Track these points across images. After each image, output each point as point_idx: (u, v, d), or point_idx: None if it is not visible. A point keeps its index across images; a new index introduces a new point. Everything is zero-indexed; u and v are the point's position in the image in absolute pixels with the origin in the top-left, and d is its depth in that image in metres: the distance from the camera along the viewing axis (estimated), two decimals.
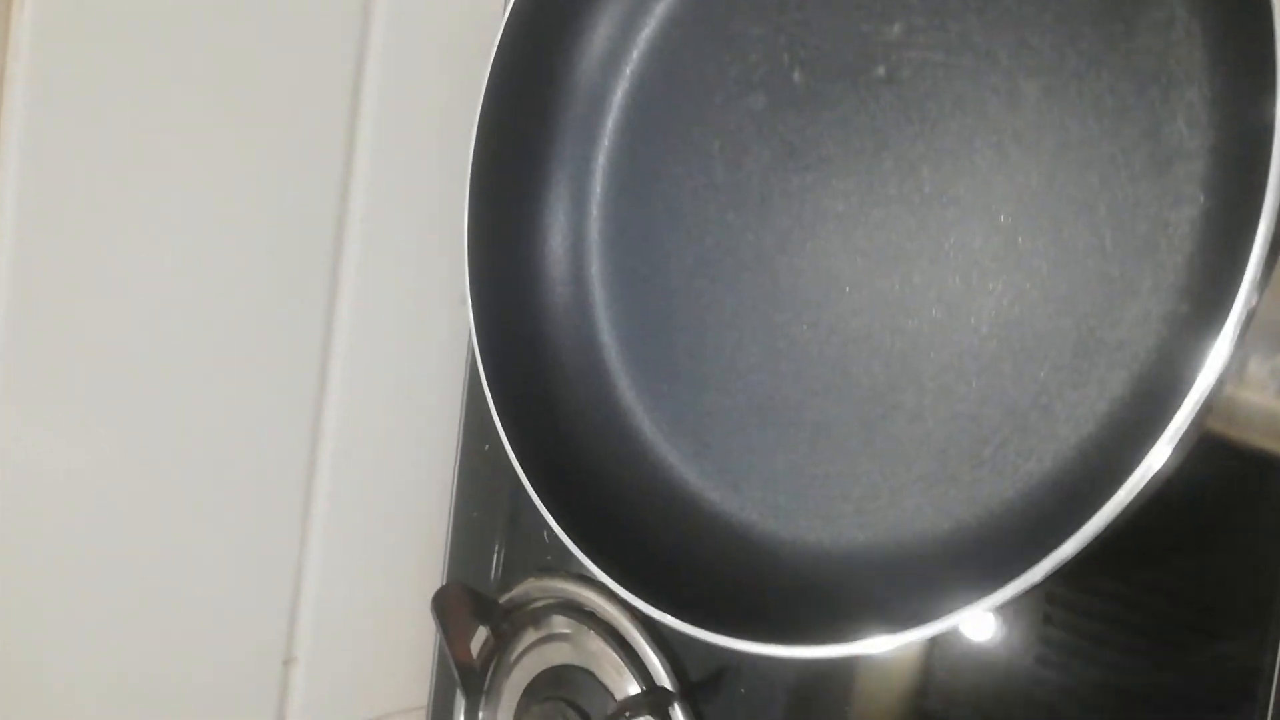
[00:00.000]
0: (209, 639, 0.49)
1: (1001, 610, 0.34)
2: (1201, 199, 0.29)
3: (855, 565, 0.34)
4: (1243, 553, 0.29)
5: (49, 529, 0.44)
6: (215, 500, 0.48)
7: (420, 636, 0.55)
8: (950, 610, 0.28)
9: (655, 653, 0.44)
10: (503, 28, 0.41)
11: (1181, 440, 0.25)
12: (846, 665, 0.37)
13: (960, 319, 0.34)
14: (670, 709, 0.42)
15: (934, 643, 0.35)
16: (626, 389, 0.42)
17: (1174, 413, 0.25)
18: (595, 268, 0.44)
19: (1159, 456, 0.26)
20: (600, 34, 0.42)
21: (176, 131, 0.44)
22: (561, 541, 0.49)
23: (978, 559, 0.31)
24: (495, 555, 0.54)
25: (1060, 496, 0.30)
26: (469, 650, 0.49)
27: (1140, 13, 0.30)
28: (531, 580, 0.50)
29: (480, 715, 0.51)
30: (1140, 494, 0.25)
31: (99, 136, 0.42)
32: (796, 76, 0.37)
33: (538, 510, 0.50)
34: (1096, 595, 0.32)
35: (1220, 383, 0.25)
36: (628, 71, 0.42)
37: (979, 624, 0.34)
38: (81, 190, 0.42)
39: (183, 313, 0.45)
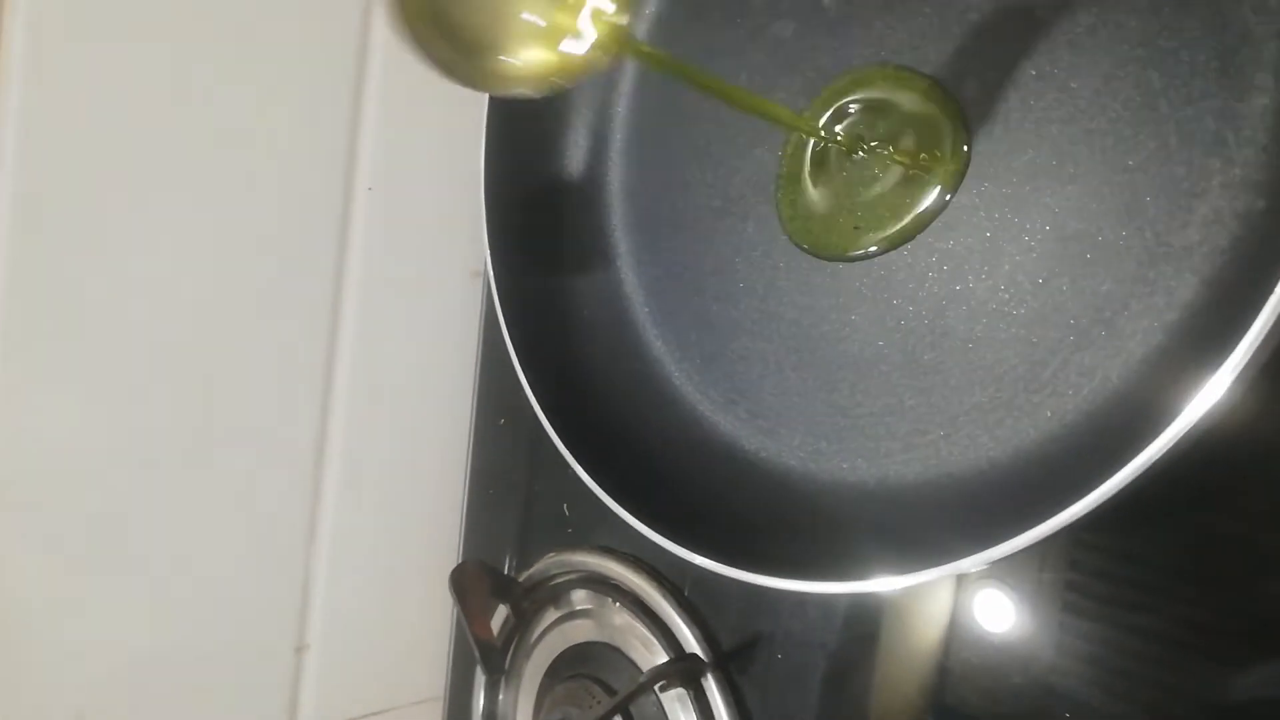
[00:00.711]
0: (219, 625, 0.47)
1: (1021, 594, 0.32)
2: (1273, 86, 0.27)
3: (906, 503, 0.32)
4: None
5: (57, 514, 0.42)
6: (224, 482, 0.46)
7: (436, 623, 0.53)
8: (1023, 529, 0.25)
9: (685, 621, 0.41)
10: None
11: (1260, 346, 0.23)
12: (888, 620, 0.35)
13: (1011, 234, 0.32)
14: (703, 678, 0.40)
15: (954, 626, 0.33)
16: (654, 338, 0.40)
17: (1254, 315, 0.23)
18: (617, 217, 0.42)
19: (1235, 364, 0.23)
20: None
21: (181, 103, 0.42)
22: (582, 515, 0.47)
23: (1039, 486, 0.29)
24: (512, 532, 0.51)
25: (1128, 416, 0.28)
26: (489, 627, 0.47)
27: None
28: (551, 556, 0.48)
29: (501, 697, 0.48)
30: (1215, 409, 0.23)
31: (103, 115, 0.40)
32: (826, 0, 0.36)
33: (556, 483, 0.48)
34: (1116, 580, 0.30)
35: None
36: (648, 11, 0.41)
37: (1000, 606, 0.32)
38: (82, 178, 0.40)
39: (190, 289, 0.44)
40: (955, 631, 0.33)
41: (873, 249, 0.34)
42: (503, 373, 0.45)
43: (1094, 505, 0.24)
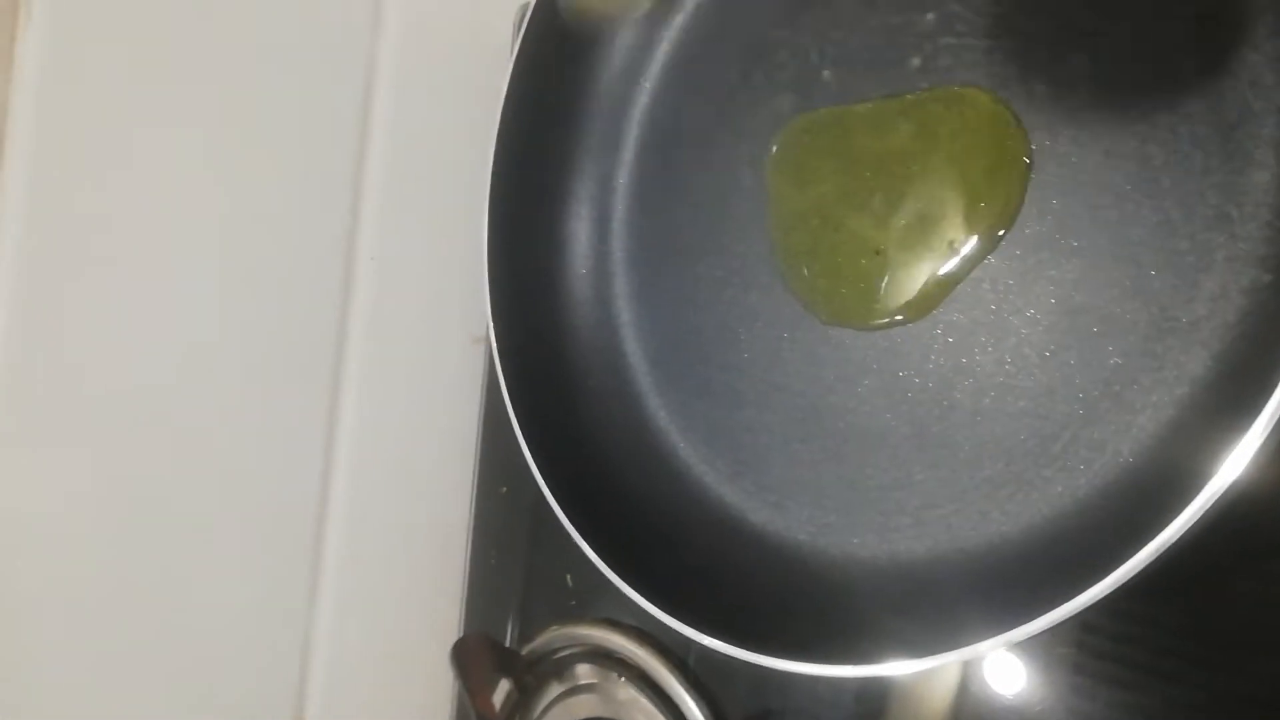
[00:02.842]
0: (215, 693, 0.46)
1: (1030, 656, 0.31)
2: (1273, 162, 0.27)
3: (917, 579, 0.32)
4: None
5: (46, 579, 0.41)
6: (223, 550, 0.46)
7: (438, 695, 0.52)
8: (1040, 612, 0.25)
9: (691, 697, 0.40)
10: (518, 47, 0.40)
11: (1277, 424, 0.23)
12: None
13: (1016, 307, 0.32)
14: None
15: (965, 691, 0.32)
16: (658, 409, 0.40)
17: (1270, 391, 0.23)
18: (620, 285, 0.42)
19: (1251, 442, 0.23)
20: (618, 47, 0.42)
21: (184, 176, 0.42)
22: (586, 585, 0.46)
23: (1053, 564, 0.29)
24: (515, 603, 0.50)
25: (1142, 492, 0.28)
26: (492, 703, 0.46)
27: None
28: (554, 629, 0.47)
29: None
30: (1235, 484, 0.23)
31: (104, 194, 0.40)
32: (827, 74, 0.36)
33: (560, 554, 0.47)
34: (1130, 644, 0.30)
35: None
36: (648, 84, 0.41)
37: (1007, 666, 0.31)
38: (83, 251, 0.40)
39: (189, 354, 0.44)
40: (966, 696, 0.33)
41: (898, 317, 0.34)
42: (504, 440, 0.45)
43: (1112, 588, 0.24)
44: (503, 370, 0.40)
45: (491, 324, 0.41)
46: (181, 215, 0.43)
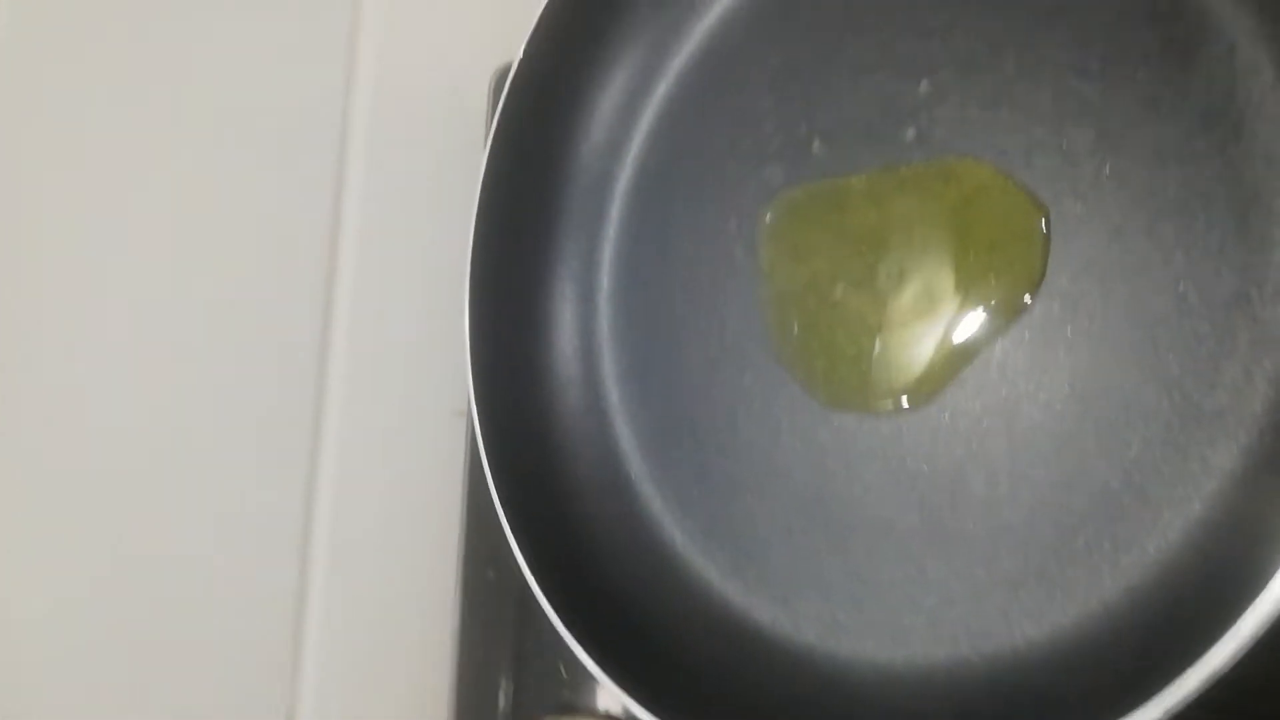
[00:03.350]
0: None
1: None
2: None
3: (933, 687, 0.30)
4: None
5: (28, 582, 0.38)
6: (196, 652, 0.43)
7: None
8: None
9: None
10: (497, 118, 0.39)
11: None
12: None
13: (1027, 393, 0.30)
14: None
15: None
16: (652, 497, 0.38)
17: None
18: (608, 366, 0.40)
19: None
20: (600, 119, 0.40)
21: (147, 245, 0.40)
22: (579, 675, 0.44)
23: (1085, 672, 0.27)
24: (504, 694, 0.48)
25: (1172, 595, 0.26)
26: None
27: (1196, 48, 0.28)
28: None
29: None
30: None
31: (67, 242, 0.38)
32: (816, 146, 0.35)
33: (551, 642, 0.45)
34: None
35: None
36: (631, 157, 0.40)
37: None
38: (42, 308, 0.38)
39: (157, 434, 0.41)
40: None
41: (902, 401, 0.32)
42: (490, 521, 0.43)
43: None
44: (486, 454, 0.38)
45: (474, 405, 0.39)
46: (147, 289, 0.41)
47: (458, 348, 0.40)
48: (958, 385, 0.31)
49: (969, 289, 0.32)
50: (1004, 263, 0.31)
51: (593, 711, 0.43)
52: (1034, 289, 0.30)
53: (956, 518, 0.31)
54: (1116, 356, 0.29)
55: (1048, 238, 0.30)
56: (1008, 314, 0.31)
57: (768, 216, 0.35)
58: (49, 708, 0.39)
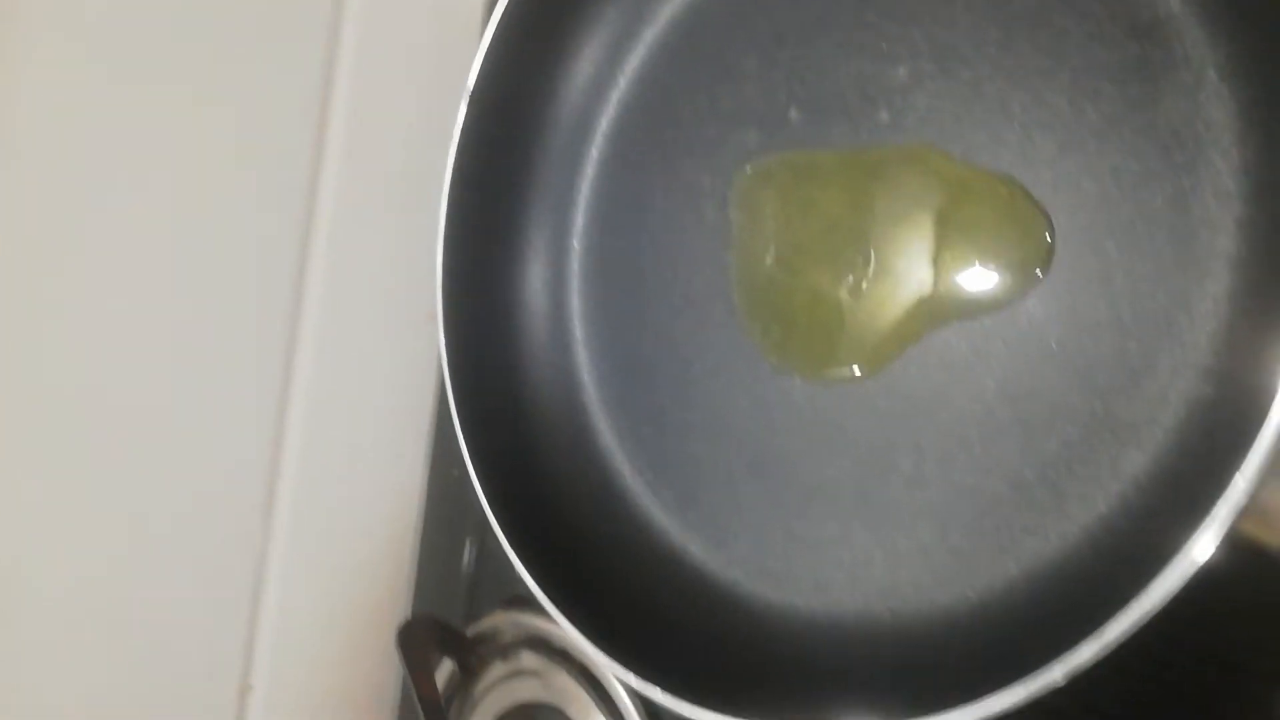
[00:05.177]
0: (160, 665, 0.47)
1: None
2: (1227, 275, 0.27)
3: (845, 635, 0.33)
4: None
5: None
6: (169, 522, 0.46)
7: (385, 668, 0.53)
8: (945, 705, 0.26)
9: (629, 695, 0.42)
10: (484, 47, 0.38)
11: (1211, 543, 0.24)
12: None
13: (963, 385, 0.32)
14: None
15: None
16: (605, 429, 0.40)
17: (1205, 509, 0.24)
18: (575, 302, 0.41)
19: (1189, 557, 0.24)
20: (586, 59, 0.40)
21: (137, 150, 0.41)
22: None
23: (978, 642, 0.30)
24: (464, 583, 0.52)
25: (1066, 582, 0.29)
26: (434, 685, 0.47)
27: (1165, 74, 0.29)
28: (500, 613, 0.48)
29: None
30: (1169, 595, 0.24)
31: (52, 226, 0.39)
32: (793, 114, 0.35)
33: None
34: None
35: (1257, 482, 0.23)
36: (614, 99, 0.40)
37: None
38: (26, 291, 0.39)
39: (137, 326, 0.43)
40: None
41: (846, 372, 0.34)
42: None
43: (1014, 701, 0.25)
44: (448, 367, 0.40)
45: (441, 327, 0.41)
46: (135, 201, 0.41)
47: (430, 265, 0.41)
48: (900, 366, 0.33)
49: (924, 274, 0.33)
50: (960, 252, 0.32)
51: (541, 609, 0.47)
52: (984, 283, 0.32)
53: (883, 488, 0.33)
54: (1049, 360, 0.30)
55: (1008, 233, 0.31)
56: (956, 304, 0.32)
57: (740, 179, 0.36)
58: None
